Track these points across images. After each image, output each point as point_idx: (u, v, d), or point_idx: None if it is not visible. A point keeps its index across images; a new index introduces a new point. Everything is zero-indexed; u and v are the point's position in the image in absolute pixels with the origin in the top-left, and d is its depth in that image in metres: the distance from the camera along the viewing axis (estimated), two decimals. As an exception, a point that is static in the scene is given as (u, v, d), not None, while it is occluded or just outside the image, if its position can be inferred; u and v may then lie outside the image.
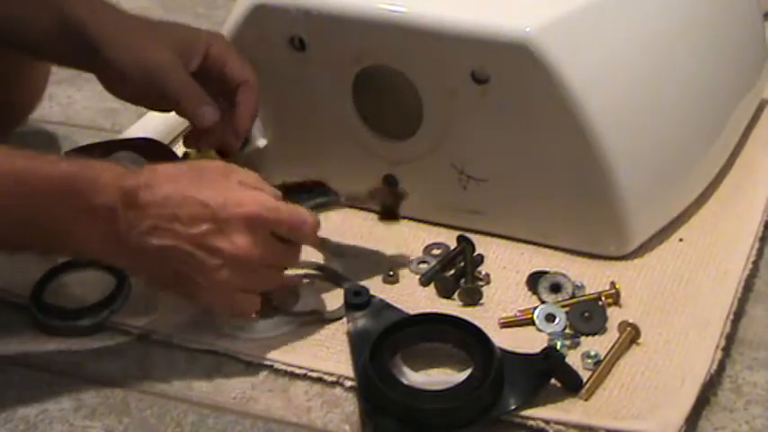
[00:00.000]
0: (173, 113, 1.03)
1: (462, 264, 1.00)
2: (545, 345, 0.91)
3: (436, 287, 0.99)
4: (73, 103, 1.34)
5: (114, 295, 0.98)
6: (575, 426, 0.84)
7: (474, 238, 1.02)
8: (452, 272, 1.00)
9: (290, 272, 0.95)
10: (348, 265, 1.02)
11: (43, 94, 1.20)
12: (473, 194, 1.03)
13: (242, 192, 0.87)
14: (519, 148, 0.99)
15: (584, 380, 0.87)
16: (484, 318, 0.94)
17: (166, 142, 1.17)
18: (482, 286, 0.98)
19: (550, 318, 0.94)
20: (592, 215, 1.00)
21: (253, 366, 0.92)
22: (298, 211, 0.89)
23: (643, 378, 0.88)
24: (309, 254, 1.03)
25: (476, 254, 1.01)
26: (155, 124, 1.20)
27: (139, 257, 0.87)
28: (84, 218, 0.84)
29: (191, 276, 0.87)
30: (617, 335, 0.91)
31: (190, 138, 1.03)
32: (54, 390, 0.91)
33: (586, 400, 0.86)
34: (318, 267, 1.01)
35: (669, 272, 0.99)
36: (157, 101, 1.00)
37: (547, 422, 0.85)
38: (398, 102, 1.03)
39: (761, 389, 0.89)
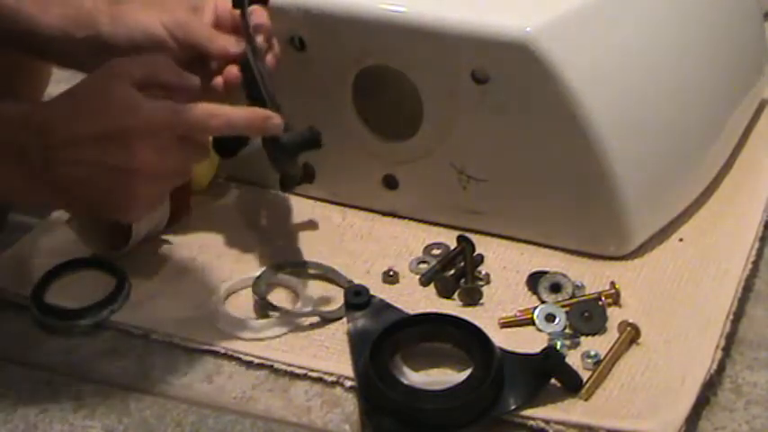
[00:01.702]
0: None
1: (462, 264, 1.00)
2: (545, 345, 0.91)
3: (436, 287, 0.99)
4: (73, 103, 1.34)
5: (114, 295, 0.98)
6: (575, 426, 0.84)
7: (474, 238, 1.02)
8: (452, 272, 1.00)
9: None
10: (348, 265, 1.02)
11: (43, 94, 1.19)
12: (473, 194, 1.03)
13: (140, 100, 0.85)
14: (519, 148, 0.99)
15: (585, 380, 0.87)
16: (484, 318, 0.94)
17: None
18: (482, 286, 0.98)
19: (550, 318, 0.94)
20: (592, 215, 1.00)
21: (253, 366, 0.92)
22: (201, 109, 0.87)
23: (643, 378, 0.88)
24: (309, 254, 1.03)
25: (476, 254, 1.01)
26: None
27: (57, 191, 0.86)
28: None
29: (112, 197, 0.86)
30: (617, 335, 0.91)
31: None
32: (54, 390, 0.91)
33: (586, 400, 0.86)
34: (318, 267, 1.01)
35: (669, 272, 0.99)
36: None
37: (547, 422, 0.85)
38: (398, 102, 1.03)
39: (761, 389, 0.89)
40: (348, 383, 0.90)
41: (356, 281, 0.99)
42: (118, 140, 0.84)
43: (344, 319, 0.95)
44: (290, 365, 0.91)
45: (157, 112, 0.85)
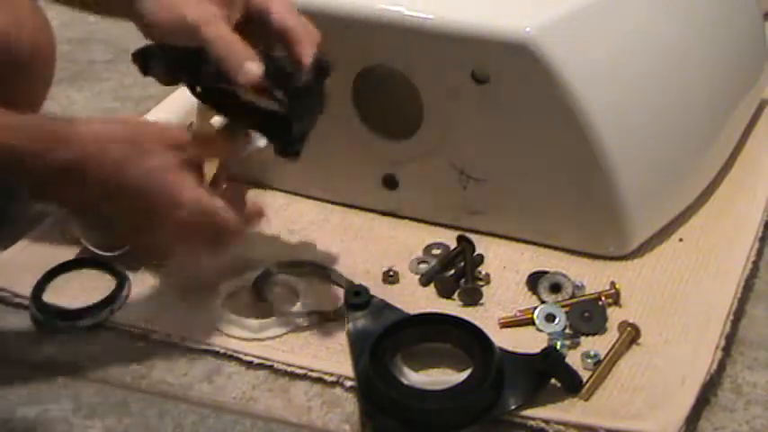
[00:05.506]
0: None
1: (462, 264, 1.00)
2: (545, 345, 0.91)
3: (436, 287, 0.99)
4: (73, 103, 1.34)
5: (114, 295, 0.98)
6: (575, 426, 0.84)
7: (474, 238, 1.02)
8: (452, 272, 1.00)
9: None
10: (348, 265, 1.02)
11: (45, 97, 1.19)
12: (473, 194, 1.03)
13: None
14: (519, 148, 0.99)
15: (585, 380, 0.87)
16: (484, 318, 0.94)
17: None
18: (482, 286, 0.98)
19: (550, 318, 0.94)
20: (592, 215, 1.00)
21: (253, 366, 0.92)
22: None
23: (643, 378, 0.88)
24: (309, 254, 1.03)
25: (476, 254, 1.01)
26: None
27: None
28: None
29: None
30: (617, 335, 0.91)
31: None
32: (54, 390, 0.91)
33: (586, 400, 0.86)
34: (318, 267, 1.01)
35: (669, 272, 1.00)
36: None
37: (547, 422, 0.85)
38: (398, 102, 1.03)
39: (761, 389, 0.89)
40: (348, 383, 0.90)
41: (356, 281, 0.99)
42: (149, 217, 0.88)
43: (344, 319, 0.95)
44: (290, 365, 0.92)
45: (195, 207, 0.89)
